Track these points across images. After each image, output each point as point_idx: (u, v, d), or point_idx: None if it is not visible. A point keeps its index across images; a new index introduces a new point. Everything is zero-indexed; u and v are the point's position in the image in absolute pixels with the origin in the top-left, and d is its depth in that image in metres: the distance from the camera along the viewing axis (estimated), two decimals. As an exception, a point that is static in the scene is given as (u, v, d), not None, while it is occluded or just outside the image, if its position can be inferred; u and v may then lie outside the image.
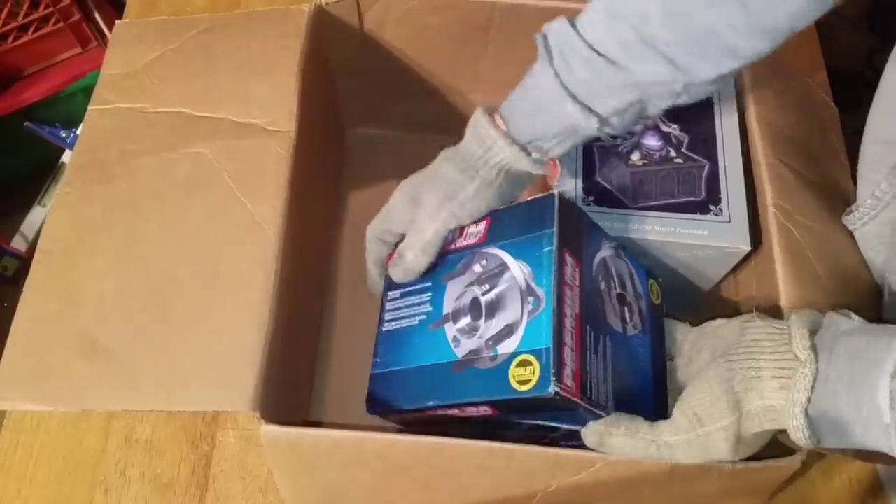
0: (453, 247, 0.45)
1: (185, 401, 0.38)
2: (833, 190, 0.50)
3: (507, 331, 0.39)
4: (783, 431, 0.36)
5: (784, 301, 0.42)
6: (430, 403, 0.41)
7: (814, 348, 0.34)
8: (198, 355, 0.39)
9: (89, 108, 0.48)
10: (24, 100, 0.97)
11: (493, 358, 0.39)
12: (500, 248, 0.43)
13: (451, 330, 0.42)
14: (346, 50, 0.56)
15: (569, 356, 0.37)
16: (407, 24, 0.55)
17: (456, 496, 0.43)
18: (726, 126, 0.51)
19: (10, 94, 0.96)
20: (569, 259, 0.40)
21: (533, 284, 0.40)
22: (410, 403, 0.42)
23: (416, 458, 0.40)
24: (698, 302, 0.55)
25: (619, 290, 0.43)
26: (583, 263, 0.41)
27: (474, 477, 0.41)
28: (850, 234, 0.47)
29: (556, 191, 0.42)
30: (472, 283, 0.43)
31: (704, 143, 0.50)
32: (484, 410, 0.39)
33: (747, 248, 0.46)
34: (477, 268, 0.43)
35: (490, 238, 0.44)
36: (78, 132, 0.92)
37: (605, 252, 0.44)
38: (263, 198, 0.43)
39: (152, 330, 0.40)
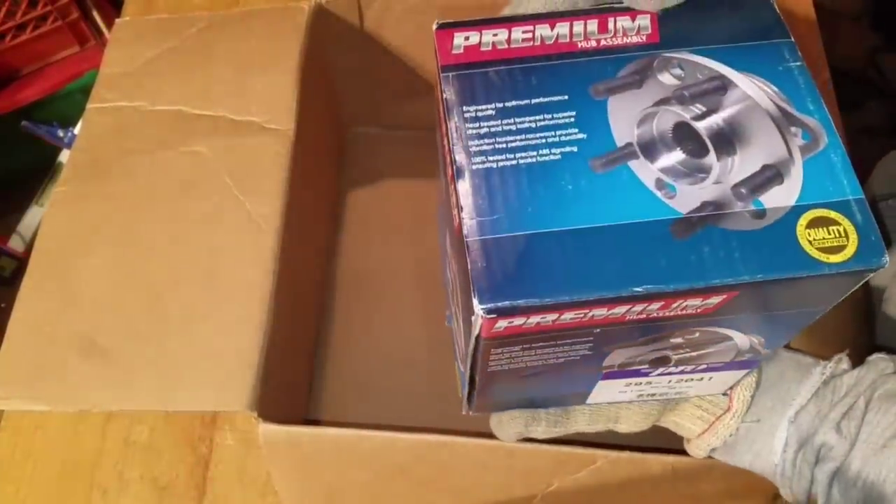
0: (587, 44, 0.27)
1: (183, 401, 0.38)
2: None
3: (773, 173, 0.26)
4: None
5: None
6: (635, 290, 0.24)
7: (749, 402, 0.35)
8: (195, 355, 0.39)
9: (88, 106, 0.48)
10: (22, 99, 0.96)
11: (759, 215, 0.25)
12: (701, 54, 0.27)
13: (645, 171, 0.26)
14: (346, 49, 0.56)
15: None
16: (407, 23, 0.55)
17: (456, 495, 0.43)
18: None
19: (8, 94, 0.96)
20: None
21: (792, 110, 0.26)
22: (582, 288, 0.24)
23: (416, 457, 0.40)
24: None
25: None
26: None
27: (474, 476, 0.40)
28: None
29: None
30: (664, 101, 0.27)
31: None
32: (714, 302, 0.25)
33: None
34: (667, 78, 0.27)
35: (668, 38, 0.28)
36: (75, 131, 0.91)
37: None
38: (262, 197, 0.43)
39: (149, 329, 0.39)
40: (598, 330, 0.25)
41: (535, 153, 0.26)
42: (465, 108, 0.27)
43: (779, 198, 0.25)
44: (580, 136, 0.26)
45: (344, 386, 0.55)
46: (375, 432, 0.39)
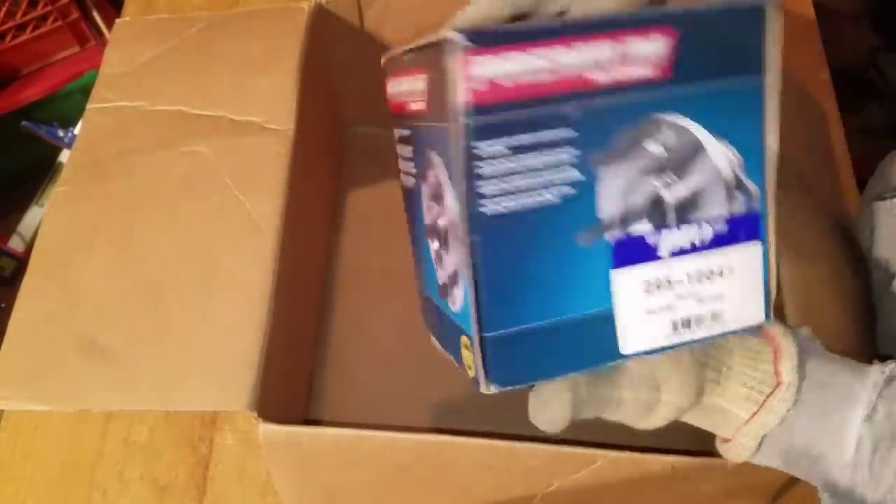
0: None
1: (183, 400, 0.38)
2: (834, 191, 0.50)
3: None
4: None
5: (787, 303, 0.42)
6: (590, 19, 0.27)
7: (801, 372, 0.32)
8: (195, 355, 0.39)
9: (88, 106, 0.48)
10: (22, 99, 0.96)
11: None
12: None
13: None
14: (346, 48, 0.56)
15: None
16: (408, 23, 0.55)
17: (456, 495, 0.43)
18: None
19: (8, 94, 0.96)
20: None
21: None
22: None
23: (416, 457, 0.40)
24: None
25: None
26: None
27: (475, 475, 0.40)
28: (847, 238, 0.46)
29: None
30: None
31: None
32: (660, 46, 0.27)
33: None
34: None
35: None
36: (75, 131, 0.91)
37: None
38: (262, 196, 0.43)
39: (150, 329, 0.39)
40: (573, 107, 0.27)
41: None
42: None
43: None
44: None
45: (344, 386, 0.55)
46: (375, 432, 0.39)
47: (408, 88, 0.31)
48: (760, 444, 0.32)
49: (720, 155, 0.29)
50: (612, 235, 0.29)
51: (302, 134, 0.46)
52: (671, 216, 0.29)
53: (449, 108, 0.26)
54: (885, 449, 0.30)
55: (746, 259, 0.31)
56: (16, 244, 1.00)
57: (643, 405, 0.33)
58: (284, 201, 0.43)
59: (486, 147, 0.26)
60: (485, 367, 0.29)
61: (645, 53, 0.27)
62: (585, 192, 0.28)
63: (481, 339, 0.29)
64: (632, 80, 0.27)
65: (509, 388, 0.30)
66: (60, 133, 0.98)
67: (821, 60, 0.65)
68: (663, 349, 0.30)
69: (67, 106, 0.99)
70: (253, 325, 0.39)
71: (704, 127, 0.29)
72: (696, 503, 0.45)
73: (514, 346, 0.29)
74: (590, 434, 0.43)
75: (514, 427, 0.42)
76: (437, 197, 0.30)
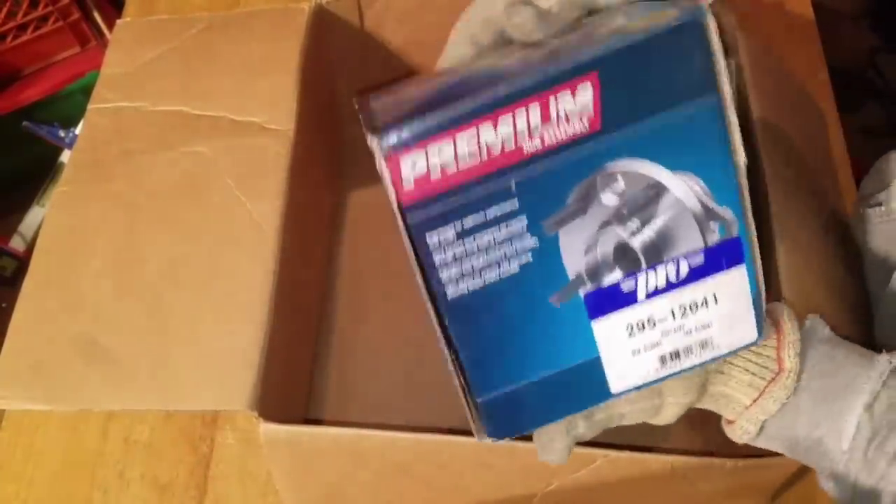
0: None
1: (183, 400, 0.38)
2: (833, 192, 0.50)
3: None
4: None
5: (785, 303, 0.42)
6: (501, 89, 0.26)
7: (803, 358, 0.32)
8: (196, 354, 0.39)
9: (89, 106, 0.48)
10: (23, 99, 0.96)
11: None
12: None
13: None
14: (347, 49, 0.56)
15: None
16: (408, 23, 0.55)
17: (456, 494, 0.43)
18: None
19: (9, 94, 0.96)
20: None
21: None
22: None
23: (417, 456, 0.40)
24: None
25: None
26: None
27: (475, 475, 0.41)
28: (846, 237, 0.46)
29: None
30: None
31: None
32: (584, 97, 0.26)
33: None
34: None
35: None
36: (76, 132, 0.92)
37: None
38: (262, 197, 0.43)
39: (150, 329, 0.40)
40: (512, 180, 0.26)
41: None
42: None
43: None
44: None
45: (344, 385, 0.55)
46: (376, 432, 0.39)
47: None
48: (762, 427, 0.33)
49: (682, 188, 0.28)
50: (584, 290, 0.29)
51: (302, 134, 0.46)
52: (641, 260, 0.29)
53: (392, 206, 0.26)
54: (882, 438, 0.30)
55: (731, 284, 0.30)
56: (17, 244, 1.00)
57: (647, 412, 0.33)
58: (285, 201, 0.43)
59: (433, 237, 0.27)
60: (480, 424, 0.31)
61: (571, 109, 0.26)
62: (546, 255, 0.28)
63: (473, 403, 0.31)
64: (565, 139, 0.26)
65: (506, 438, 0.32)
66: (61, 133, 0.98)
67: (820, 60, 0.65)
68: (654, 382, 0.31)
69: (68, 106, 0.99)
70: (253, 324, 0.39)
71: (659, 164, 0.27)
72: (695, 503, 0.45)
73: (506, 404, 0.31)
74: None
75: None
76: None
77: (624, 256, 0.29)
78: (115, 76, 0.49)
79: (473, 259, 0.28)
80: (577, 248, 0.28)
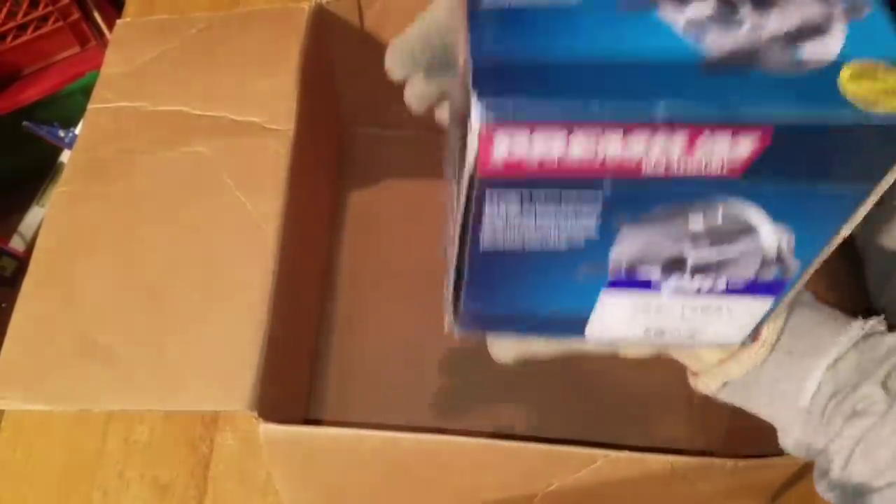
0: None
1: (183, 400, 0.38)
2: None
3: (813, 28, 0.24)
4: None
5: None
6: (655, 107, 0.21)
7: (781, 330, 0.32)
8: (196, 355, 0.39)
9: (89, 106, 0.48)
10: (23, 99, 0.97)
11: (797, 64, 0.23)
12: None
13: (673, 14, 0.24)
14: (347, 49, 0.56)
15: None
16: (408, 23, 0.55)
17: (456, 495, 0.43)
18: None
19: (9, 94, 0.96)
20: None
21: None
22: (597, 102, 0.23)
23: (417, 456, 0.40)
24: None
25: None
26: None
27: (475, 475, 0.41)
28: (846, 237, 0.46)
29: None
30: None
31: None
32: (744, 150, 0.22)
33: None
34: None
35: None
36: (76, 132, 0.92)
37: None
38: (262, 197, 0.43)
39: (150, 329, 0.40)
40: (608, 185, 0.23)
41: None
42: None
43: (818, 50, 0.22)
44: None
45: (344, 386, 0.55)
46: (376, 432, 0.39)
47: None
48: (725, 383, 0.33)
49: (771, 239, 0.26)
50: (615, 275, 0.27)
51: (302, 134, 0.46)
52: (687, 272, 0.27)
53: (466, 169, 0.23)
54: (842, 397, 0.30)
55: (753, 306, 0.29)
56: (17, 244, 1.00)
57: (607, 352, 0.34)
58: (285, 201, 0.43)
59: (493, 206, 0.24)
60: (455, 320, 0.31)
61: (721, 153, 0.22)
62: (599, 243, 0.26)
63: (455, 306, 0.30)
64: (693, 175, 0.23)
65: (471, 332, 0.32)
66: (61, 133, 0.98)
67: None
68: (627, 340, 0.31)
69: (68, 106, 0.99)
70: (253, 325, 0.39)
71: (766, 211, 0.25)
72: (695, 503, 0.45)
73: (486, 320, 0.31)
74: (589, 433, 0.43)
75: (514, 427, 0.43)
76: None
77: (673, 265, 0.27)
78: (115, 76, 0.49)
79: (525, 228, 0.25)
80: (634, 245, 0.26)
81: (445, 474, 0.41)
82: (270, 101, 0.46)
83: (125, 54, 0.50)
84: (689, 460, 0.38)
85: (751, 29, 0.23)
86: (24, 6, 0.90)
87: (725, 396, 0.34)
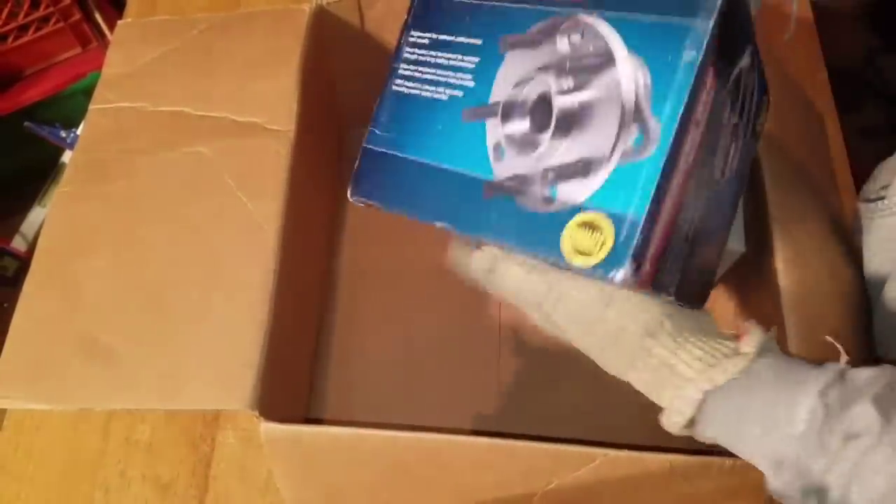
0: None
1: (184, 400, 0.38)
2: (832, 192, 0.50)
3: (583, 167, 0.27)
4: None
5: (786, 303, 0.42)
6: (438, 224, 0.30)
7: (760, 349, 0.32)
8: (197, 354, 0.39)
9: (90, 107, 0.48)
10: (25, 100, 0.97)
11: (548, 201, 0.28)
12: (610, 20, 0.27)
13: (495, 131, 0.29)
14: (347, 50, 0.56)
15: (658, 233, 0.27)
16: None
17: (456, 494, 0.43)
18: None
19: (11, 95, 0.96)
20: (710, 79, 0.26)
21: (646, 108, 0.26)
22: (409, 209, 0.32)
23: (417, 456, 0.40)
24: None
25: (736, 118, 0.30)
26: (720, 81, 0.27)
27: (475, 474, 0.41)
28: (846, 238, 0.46)
29: None
30: (547, 67, 0.28)
31: None
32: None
33: (742, 248, 0.46)
34: (562, 43, 0.28)
35: None
36: (78, 132, 0.92)
37: (745, 60, 0.29)
38: (263, 197, 0.43)
39: (151, 329, 0.40)
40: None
41: (432, 89, 0.32)
42: (411, 33, 0.34)
43: (573, 192, 0.27)
44: (470, 83, 0.31)
45: (344, 385, 0.55)
46: (376, 431, 0.39)
47: None
48: (700, 413, 0.32)
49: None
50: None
51: (303, 135, 0.46)
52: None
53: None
54: (835, 419, 0.29)
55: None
56: (18, 244, 1.00)
57: (588, 307, 0.32)
58: (285, 202, 0.43)
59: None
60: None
61: None
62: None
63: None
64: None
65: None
66: (63, 134, 0.98)
67: (819, 61, 0.65)
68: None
69: (70, 107, 1.00)
70: (254, 324, 0.39)
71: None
72: (695, 502, 0.45)
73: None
74: (589, 433, 0.43)
75: (514, 427, 0.43)
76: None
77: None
78: (116, 77, 0.49)
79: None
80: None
81: (445, 474, 0.41)
82: (271, 102, 0.47)
83: (126, 55, 0.50)
84: (688, 459, 0.38)
85: (538, 157, 0.28)
86: (26, 7, 0.90)
87: (703, 427, 0.32)
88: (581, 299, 0.32)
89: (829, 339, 0.35)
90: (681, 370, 0.32)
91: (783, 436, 0.30)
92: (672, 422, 0.33)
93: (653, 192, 0.26)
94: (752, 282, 0.49)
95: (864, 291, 0.45)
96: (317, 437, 0.39)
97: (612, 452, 0.38)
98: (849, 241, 0.47)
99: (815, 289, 0.43)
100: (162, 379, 0.38)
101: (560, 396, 0.53)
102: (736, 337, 0.33)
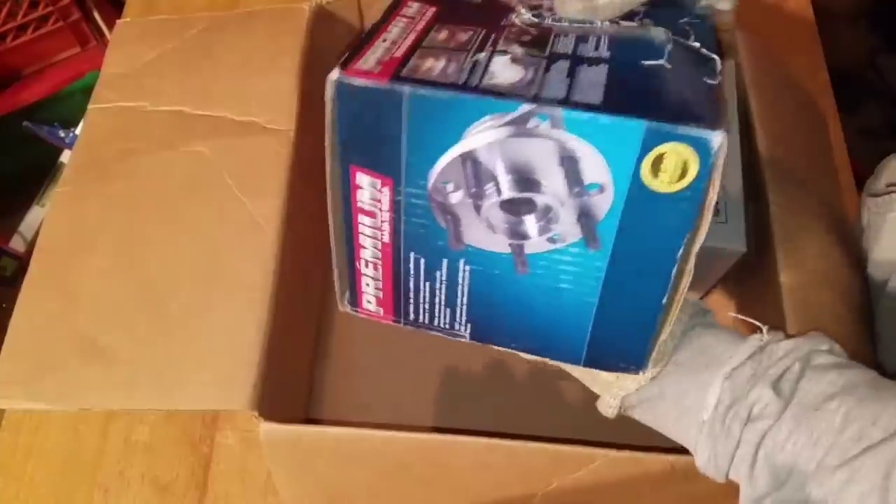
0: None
1: (184, 400, 0.38)
2: (833, 192, 0.50)
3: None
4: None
5: (787, 303, 0.42)
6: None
7: (674, 344, 0.34)
8: (196, 354, 0.39)
9: (89, 106, 0.48)
10: (23, 100, 0.96)
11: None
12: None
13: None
14: (347, 49, 0.56)
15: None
16: (407, 24, 0.55)
17: (456, 494, 0.43)
18: (726, 125, 0.51)
19: (9, 94, 0.96)
20: (363, 177, 0.32)
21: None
22: None
23: (417, 456, 0.40)
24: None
25: (511, 192, 0.29)
26: (404, 176, 0.30)
27: (475, 475, 0.41)
28: (846, 238, 0.46)
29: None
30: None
31: None
32: None
33: (743, 249, 0.46)
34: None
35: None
36: (77, 132, 0.92)
37: (489, 136, 0.28)
38: (262, 196, 0.43)
39: (151, 329, 0.40)
40: None
41: None
42: None
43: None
44: None
45: (345, 385, 0.55)
46: (376, 431, 0.39)
47: None
48: (629, 402, 0.35)
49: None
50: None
51: (302, 134, 0.46)
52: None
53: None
54: (739, 405, 0.31)
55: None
56: (17, 244, 1.00)
57: None
58: (285, 201, 0.43)
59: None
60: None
61: None
62: None
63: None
64: None
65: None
66: (62, 133, 0.98)
67: (819, 61, 0.65)
68: None
69: (69, 106, 0.99)
70: (253, 324, 0.39)
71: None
72: (695, 502, 0.45)
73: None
74: (589, 433, 0.43)
75: (514, 427, 0.43)
76: None
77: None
78: (115, 76, 0.49)
79: None
80: None
81: (445, 474, 0.41)
82: (271, 101, 0.46)
83: (125, 54, 0.50)
84: (689, 459, 0.38)
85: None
86: (25, 6, 0.90)
87: (639, 416, 0.35)
88: None
89: (740, 317, 0.38)
90: (603, 376, 0.35)
91: (693, 422, 0.32)
92: (604, 412, 0.36)
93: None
94: (752, 282, 0.49)
95: (865, 292, 0.45)
96: (317, 437, 0.39)
97: (612, 453, 0.38)
98: (850, 241, 0.47)
99: (816, 289, 0.43)
100: (161, 379, 0.38)
101: (560, 396, 0.53)
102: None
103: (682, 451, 0.39)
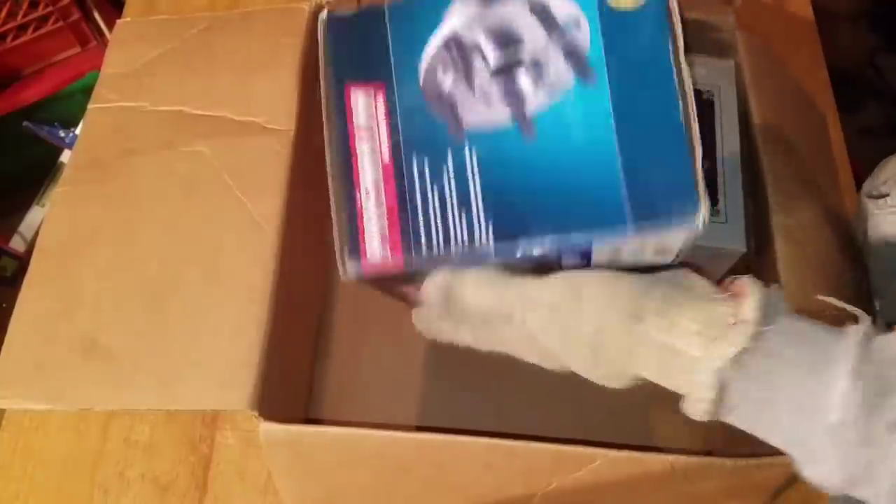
0: None
1: (184, 400, 0.38)
2: (833, 191, 0.50)
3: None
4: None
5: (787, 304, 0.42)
6: None
7: (765, 314, 0.28)
8: (196, 354, 0.39)
9: (89, 106, 0.48)
10: (24, 99, 0.97)
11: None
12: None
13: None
14: (346, 49, 0.56)
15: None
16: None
17: (456, 494, 0.43)
18: (725, 125, 0.51)
19: (9, 94, 0.96)
20: (357, 93, 0.33)
21: None
22: None
23: (417, 456, 0.40)
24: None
25: (498, 57, 0.31)
26: (396, 77, 0.32)
27: (475, 475, 0.41)
28: (847, 237, 0.46)
29: None
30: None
31: (703, 142, 0.50)
32: None
33: (743, 249, 0.46)
34: None
35: None
36: (77, 132, 0.92)
37: (460, 17, 0.31)
38: (262, 196, 0.43)
39: (150, 329, 0.40)
40: None
41: None
42: None
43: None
44: None
45: (344, 385, 0.55)
46: (376, 431, 0.39)
47: None
48: (723, 396, 0.28)
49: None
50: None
51: (302, 134, 0.46)
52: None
53: None
54: (876, 406, 0.26)
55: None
56: (17, 244, 1.00)
57: (559, 306, 0.30)
58: (285, 201, 0.43)
59: None
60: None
61: None
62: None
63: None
64: None
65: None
66: (62, 133, 0.98)
67: (819, 61, 0.65)
68: None
69: (69, 106, 0.99)
70: (253, 324, 0.39)
71: None
72: (695, 502, 0.45)
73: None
74: (589, 433, 0.43)
75: (514, 427, 0.43)
76: None
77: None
78: (115, 76, 0.49)
79: None
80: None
81: (445, 474, 0.41)
82: (271, 101, 0.46)
83: (125, 54, 0.50)
84: (689, 460, 0.38)
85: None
86: (25, 6, 0.90)
87: (732, 418, 0.29)
88: (551, 300, 0.31)
89: (829, 300, 0.32)
90: (681, 348, 0.28)
91: (815, 424, 0.27)
92: (695, 410, 0.29)
93: None
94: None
95: (866, 292, 0.45)
96: (316, 438, 0.39)
97: (612, 453, 0.38)
98: (850, 241, 0.47)
99: (816, 289, 0.43)
100: (161, 379, 0.38)
101: (560, 396, 0.53)
102: (733, 295, 0.30)
103: (683, 451, 0.39)
